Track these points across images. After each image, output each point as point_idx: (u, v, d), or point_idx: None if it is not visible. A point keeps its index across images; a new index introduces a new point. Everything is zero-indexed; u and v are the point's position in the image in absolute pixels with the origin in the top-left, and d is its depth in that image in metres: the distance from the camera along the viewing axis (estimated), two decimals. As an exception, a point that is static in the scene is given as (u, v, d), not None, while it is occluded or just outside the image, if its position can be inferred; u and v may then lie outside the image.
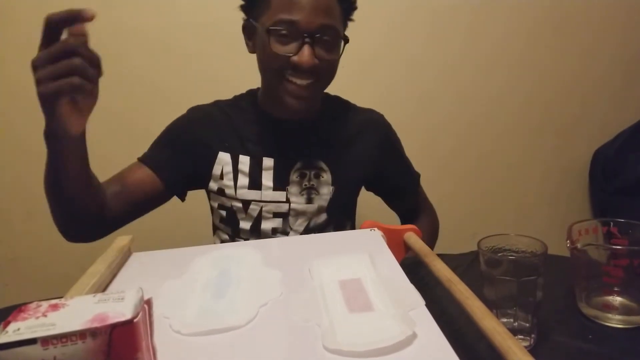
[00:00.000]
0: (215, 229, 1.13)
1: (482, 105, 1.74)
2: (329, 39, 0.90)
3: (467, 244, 1.13)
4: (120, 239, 0.76)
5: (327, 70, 0.94)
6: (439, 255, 0.73)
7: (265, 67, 0.94)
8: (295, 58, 0.88)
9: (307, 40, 0.87)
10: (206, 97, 1.12)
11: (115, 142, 1.54)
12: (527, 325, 0.65)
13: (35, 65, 0.64)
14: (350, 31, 0.99)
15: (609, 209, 1.74)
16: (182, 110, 1.09)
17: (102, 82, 1.46)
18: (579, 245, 0.70)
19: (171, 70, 1.52)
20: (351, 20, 0.98)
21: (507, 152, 1.79)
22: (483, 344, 0.51)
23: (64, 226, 0.88)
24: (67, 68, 0.63)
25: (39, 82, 0.64)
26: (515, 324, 0.66)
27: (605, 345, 0.66)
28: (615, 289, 0.71)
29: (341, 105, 1.12)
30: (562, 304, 0.76)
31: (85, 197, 0.85)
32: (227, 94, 1.13)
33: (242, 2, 0.97)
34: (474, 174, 1.79)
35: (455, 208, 1.77)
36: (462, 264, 0.94)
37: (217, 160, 1.01)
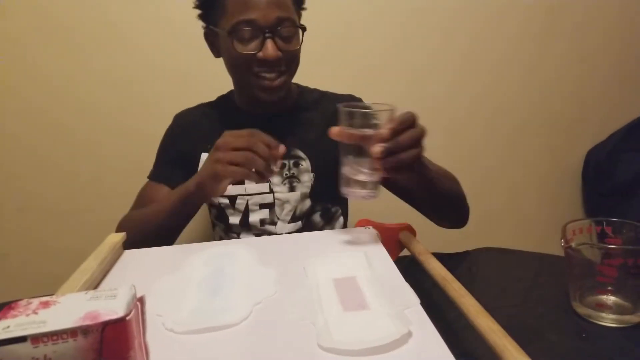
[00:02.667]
0: (213, 225, 1.16)
1: (474, 104, 1.74)
2: (288, 30, 0.94)
3: (460, 243, 1.13)
4: (112, 236, 0.75)
5: (291, 60, 0.98)
6: (432, 254, 0.74)
7: (233, 68, 0.98)
8: (260, 54, 0.92)
9: (267, 35, 0.91)
10: (202, 95, 1.12)
11: (113, 140, 1.54)
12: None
13: (218, 147, 0.77)
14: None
15: (601, 210, 1.75)
16: (177, 108, 1.10)
17: (98, 79, 1.45)
18: (573, 245, 0.70)
19: (167, 68, 1.51)
20: (303, 9, 1.02)
21: (499, 152, 1.80)
22: (478, 342, 0.51)
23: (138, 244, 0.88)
24: (244, 159, 0.75)
25: (217, 161, 0.77)
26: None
27: (598, 344, 0.66)
28: (609, 288, 0.71)
29: (316, 95, 1.15)
30: (555, 303, 0.76)
31: (173, 235, 0.95)
32: (221, 91, 1.14)
33: (199, 12, 1.01)
34: (467, 173, 1.77)
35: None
36: (455, 262, 0.94)
37: (200, 162, 1.05)
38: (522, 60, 1.74)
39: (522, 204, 1.86)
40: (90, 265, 0.63)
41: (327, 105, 1.12)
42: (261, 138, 0.76)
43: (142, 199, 1.08)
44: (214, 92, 1.15)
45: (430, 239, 0.91)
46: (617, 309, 0.70)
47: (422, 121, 1.71)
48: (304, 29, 0.98)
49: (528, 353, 0.47)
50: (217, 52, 1.03)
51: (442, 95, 1.71)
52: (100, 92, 1.50)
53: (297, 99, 1.11)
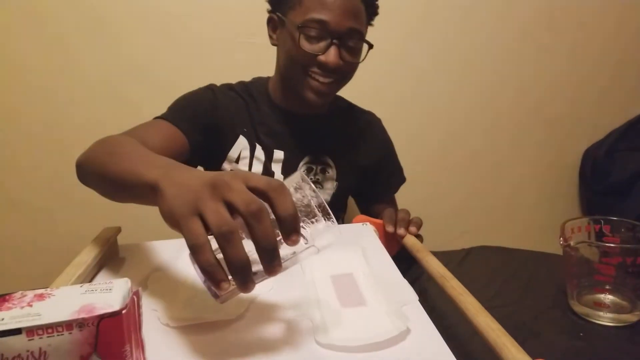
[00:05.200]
0: None
1: (472, 103, 1.74)
2: (355, 42, 0.94)
3: (457, 241, 1.13)
4: (107, 229, 0.74)
5: (348, 72, 0.97)
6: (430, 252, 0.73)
7: (290, 62, 0.96)
8: (322, 57, 0.91)
9: (334, 41, 0.90)
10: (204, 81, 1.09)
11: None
12: None
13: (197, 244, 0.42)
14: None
15: (598, 208, 1.75)
16: (169, 94, 1.06)
17: (90, 76, 1.43)
18: (571, 243, 0.70)
19: (160, 66, 1.49)
20: (371, 25, 1.01)
21: (497, 151, 1.80)
22: (476, 339, 0.51)
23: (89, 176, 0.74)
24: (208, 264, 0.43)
25: (190, 230, 0.43)
26: None
27: (596, 343, 0.66)
28: (607, 287, 0.71)
29: (345, 104, 1.16)
30: (552, 302, 0.76)
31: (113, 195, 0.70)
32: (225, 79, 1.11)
33: None
34: (464, 172, 1.79)
35: (445, 205, 1.78)
36: (452, 260, 0.94)
37: (237, 143, 1.02)
38: (520, 60, 1.73)
39: (519, 202, 1.86)
40: (84, 259, 0.62)
41: (357, 118, 1.15)
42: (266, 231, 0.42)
43: (141, 129, 0.89)
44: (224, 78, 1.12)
45: (427, 236, 0.91)
46: (614, 308, 0.70)
47: (423, 122, 1.72)
48: (370, 45, 0.96)
49: (525, 351, 0.46)
50: (275, 40, 1.00)
51: (441, 96, 1.71)
52: (91, 89, 1.48)
53: (329, 105, 1.10)
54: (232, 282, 0.43)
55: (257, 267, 0.43)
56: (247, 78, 1.11)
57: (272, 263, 0.42)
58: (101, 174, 0.65)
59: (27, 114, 1.48)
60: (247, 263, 0.41)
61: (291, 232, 0.42)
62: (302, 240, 0.45)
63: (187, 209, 0.43)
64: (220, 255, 0.42)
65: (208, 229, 0.42)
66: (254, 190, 0.43)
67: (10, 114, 1.47)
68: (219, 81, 1.08)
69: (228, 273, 0.42)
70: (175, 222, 0.44)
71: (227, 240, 0.41)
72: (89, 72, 1.48)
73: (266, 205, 0.43)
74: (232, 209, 0.42)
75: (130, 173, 0.56)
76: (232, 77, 1.10)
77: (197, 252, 0.41)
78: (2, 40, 1.42)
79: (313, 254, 0.48)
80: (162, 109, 1.00)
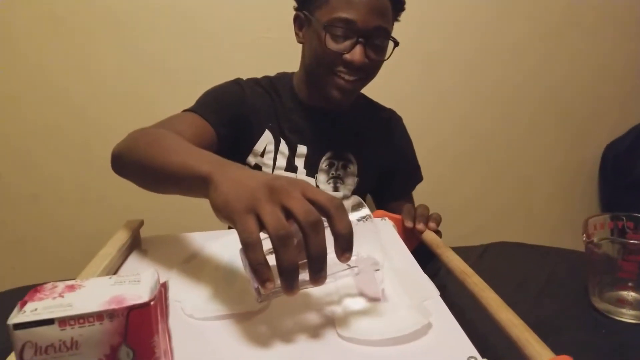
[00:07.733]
0: None
1: (489, 96, 1.72)
2: (381, 40, 0.94)
3: (474, 237, 1.13)
4: (129, 222, 0.75)
5: (373, 69, 0.98)
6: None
7: (316, 60, 0.96)
8: (347, 56, 0.91)
9: (360, 40, 0.90)
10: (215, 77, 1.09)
11: (127, 128, 1.54)
12: None
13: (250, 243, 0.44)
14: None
15: (618, 205, 1.73)
16: (193, 94, 1.07)
17: (114, 67, 1.44)
18: (595, 240, 0.69)
19: (180, 57, 1.51)
20: (397, 20, 1.00)
21: (517, 146, 1.78)
22: (497, 335, 0.51)
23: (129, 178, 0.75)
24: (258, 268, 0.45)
25: (245, 223, 0.45)
26: None
27: (618, 340, 0.65)
28: (629, 284, 0.70)
29: (367, 101, 1.16)
30: (573, 298, 0.76)
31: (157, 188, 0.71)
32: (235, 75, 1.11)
33: None
34: (483, 166, 1.78)
35: (461, 199, 1.77)
36: (470, 256, 0.93)
37: (262, 137, 1.03)
38: (540, 53, 1.72)
39: (538, 197, 1.85)
40: (108, 251, 0.63)
41: (379, 116, 1.15)
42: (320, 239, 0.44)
43: (173, 122, 0.89)
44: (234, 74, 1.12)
45: (444, 232, 0.90)
46: (637, 305, 0.69)
47: (437, 114, 1.71)
48: (396, 43, 0.96)
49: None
50: (301, 38, 1.01)
51: (458, 88, 1.70)
52: (111, 85, 1.50)
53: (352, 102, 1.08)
54: (277, 285, 0.45)
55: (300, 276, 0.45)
56: (263, 73, 1.11)
57: (319, 274, 0.45)
58: (145, 165, 0.66)
59: (47, 109, 1.50)
60: (297, 268, 0.44)
61: (346, 249, 0.45)
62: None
63: (244, 205, 0.45)
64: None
65: (260, 229, 0.45)
66: (312, 202, 0.45)
67: (30, 108, 1.49)
68: (235, 76, 1.08)
69: (274, 275, 0.44)
70: (228, 215, 0.46)
71: (283, 244, 0.43)
72: (108, 68, 1.49)
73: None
74: (287, 214, 0.45)
75: (181, 165, 0.58)
76: (248, 72, 1.10)
77: (249, 249, 0.44)
78: (23, 39, 1.44)
79: (353, 274, 0.52)
80: (179, 104, 1.01)
